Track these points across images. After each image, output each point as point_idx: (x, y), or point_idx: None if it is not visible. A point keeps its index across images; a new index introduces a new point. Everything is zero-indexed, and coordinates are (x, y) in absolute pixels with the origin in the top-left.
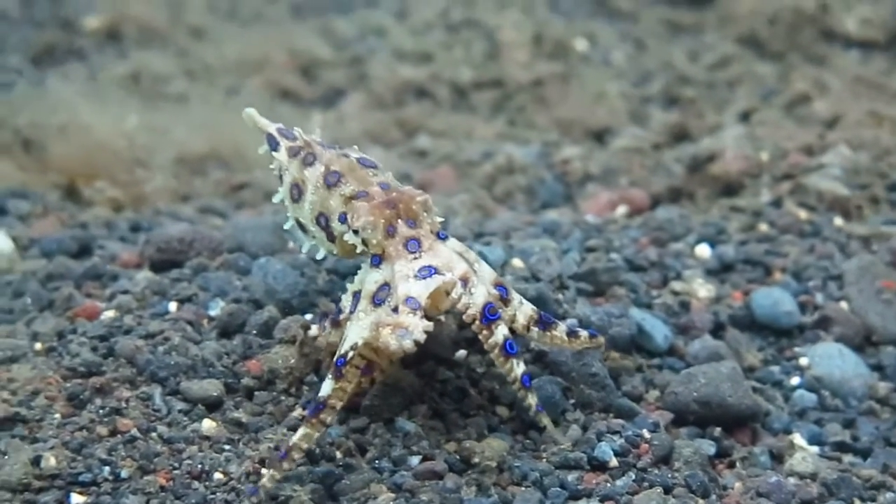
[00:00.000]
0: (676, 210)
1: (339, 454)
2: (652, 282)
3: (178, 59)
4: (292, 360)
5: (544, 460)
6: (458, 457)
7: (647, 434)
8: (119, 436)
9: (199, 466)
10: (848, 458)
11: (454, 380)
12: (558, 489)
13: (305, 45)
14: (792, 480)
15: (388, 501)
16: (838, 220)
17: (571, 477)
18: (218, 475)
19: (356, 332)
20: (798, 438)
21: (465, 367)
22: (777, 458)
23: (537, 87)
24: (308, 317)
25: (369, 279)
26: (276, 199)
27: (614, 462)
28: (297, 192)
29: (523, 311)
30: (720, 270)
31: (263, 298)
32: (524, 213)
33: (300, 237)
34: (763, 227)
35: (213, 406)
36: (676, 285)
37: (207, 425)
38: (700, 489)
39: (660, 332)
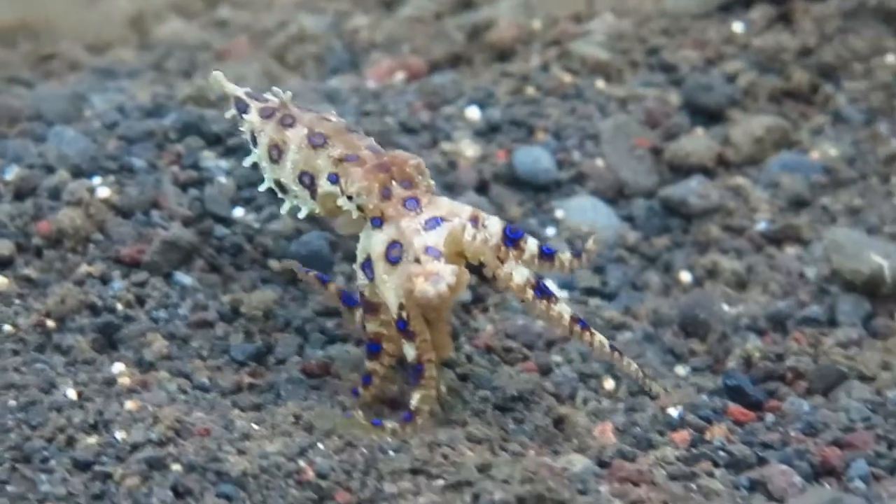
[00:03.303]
0: (451, 75)
1: (119, 306)
2: (423, 143)
3: None
4: (79, 221)
5: (309, 309)
6: (229, 307)
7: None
8: None
9: None
10: (595, 301)
11: (230, 236)
12: (318, 334)
13: None
14: (539, 323)
15: (161, 348)
16: (600, 83)
17: (331, 323)
18: (7, 327)
19: (392, 295)
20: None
21: (242, 224)
22: None
23: None
24: (95, 180)
25: (375, 241)
26: (248, 162)
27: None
28: (277, 153)
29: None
30: (487, 131)
31: (56, 164)
32: (313, 81)
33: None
34: (530, 91)
35: (4, 264)
36: (446, 146)
37: None
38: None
39: None
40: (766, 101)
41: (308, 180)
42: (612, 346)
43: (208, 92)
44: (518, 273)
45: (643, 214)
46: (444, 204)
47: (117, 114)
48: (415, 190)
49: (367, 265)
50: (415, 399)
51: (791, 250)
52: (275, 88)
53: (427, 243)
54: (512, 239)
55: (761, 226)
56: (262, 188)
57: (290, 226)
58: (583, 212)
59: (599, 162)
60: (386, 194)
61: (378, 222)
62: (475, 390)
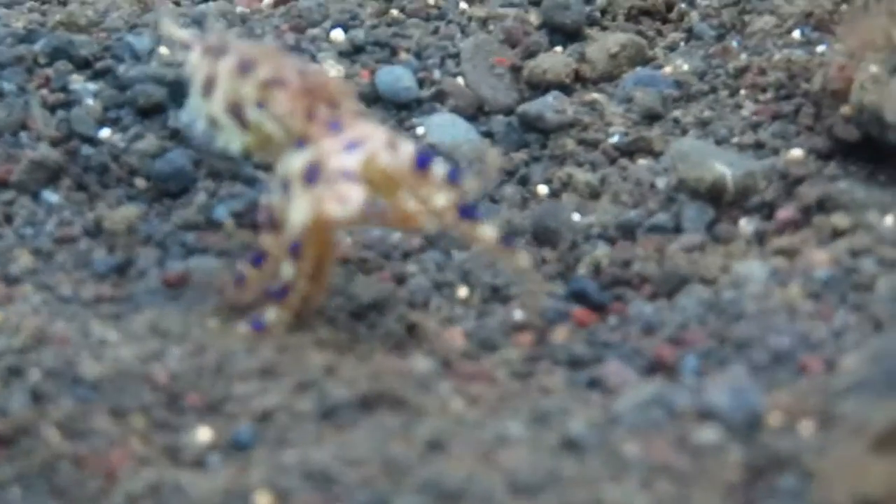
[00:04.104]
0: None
1: None
2: None
3: None
4: None
5: (171, 223)
6: (93, 223)
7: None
8: None
9: None
10: None
11: (97, 155)
12: (179, 247)
13: None
14: (396, 234)
15: (27, 263)
16: (463, 4)
17: (191, 236)
18: None
19: (299, 213)
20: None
21: (108, 144)
22: None
23: None
24: None
25: (295, 161)
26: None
27: (230, 222)
28: (209, 87)
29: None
30: (352, 52)
31: None
32: (185, 6)
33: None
34: (394, 13)
35: None
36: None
37: None
38: None
39: None
40: (624, 20)
41: (237, 112)
42: None
43: (79, 18)
44: (439, 196)
45: (502, 130)
46: (363, 127)
47: None
48: (338, 112)
49: (285, 185)
50: (270, 316)
51: (643, 162)
52: (216, 25)
53: (343, 165)
54: (423, 161)
55: (615, 139)
56: (198, 129)
57: (155, 144)
58: (443, 128)
59: (460, 80)
60: (311, 117)
61: (301, 144)
62: (329, 299)
